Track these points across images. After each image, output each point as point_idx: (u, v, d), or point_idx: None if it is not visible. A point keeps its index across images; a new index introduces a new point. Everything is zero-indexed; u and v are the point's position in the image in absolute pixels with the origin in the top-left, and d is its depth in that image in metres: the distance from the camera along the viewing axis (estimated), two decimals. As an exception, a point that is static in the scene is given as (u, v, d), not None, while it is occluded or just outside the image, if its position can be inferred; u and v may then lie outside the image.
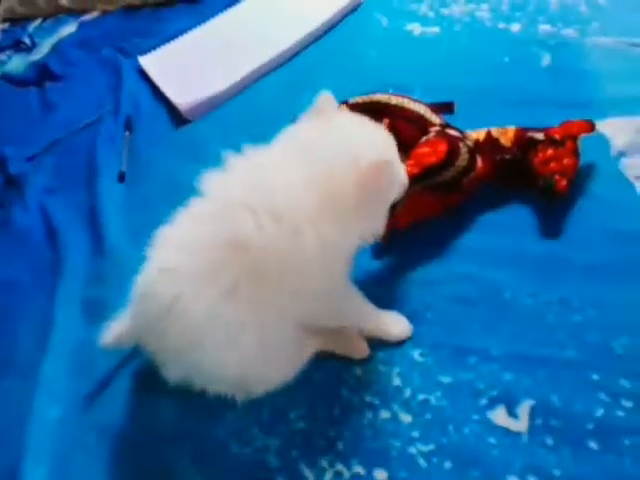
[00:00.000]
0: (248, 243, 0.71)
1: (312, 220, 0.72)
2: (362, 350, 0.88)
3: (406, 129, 1.01)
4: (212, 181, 0.78)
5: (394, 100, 1.04)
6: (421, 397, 0.82)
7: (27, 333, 1.04)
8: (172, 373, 0.79)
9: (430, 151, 0.94)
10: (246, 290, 0.73)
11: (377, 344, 0.88)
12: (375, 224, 0.80)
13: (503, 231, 0.97)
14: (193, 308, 0.72)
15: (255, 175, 0.76)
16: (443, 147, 0.94)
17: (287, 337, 0.79)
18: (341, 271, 0.80)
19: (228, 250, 0.72)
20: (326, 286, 0.77)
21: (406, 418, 0.80)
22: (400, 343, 0.87)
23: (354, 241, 0.78)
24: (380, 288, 0.93)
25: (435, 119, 1.02)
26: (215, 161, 1.19)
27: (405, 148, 0.93)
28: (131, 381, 0.92)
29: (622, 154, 1.04)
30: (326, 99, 0.82)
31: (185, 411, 0.87)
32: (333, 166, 0.74)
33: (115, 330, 0.86)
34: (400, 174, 0.82)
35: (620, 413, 0.76)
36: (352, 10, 1.53)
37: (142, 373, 0.92)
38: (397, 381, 0.83)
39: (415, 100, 1.05)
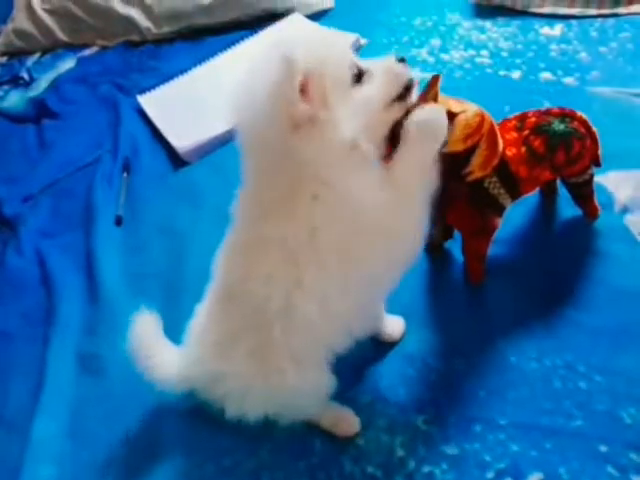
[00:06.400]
0: None
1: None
2: (351, 425, 0.83)
3: None
4: None
5: None
6: (426, 469, 0.79)
7: (19, 387, 1.01)
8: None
9: None
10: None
11: (379, 410, 0.85)
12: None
13: (507, 290, 0.96)
14: None
15: None
16: None
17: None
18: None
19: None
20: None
21: (410, 492, 0.78)
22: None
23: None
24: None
25: None
26: (211, 206, 1.20)
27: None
28: (130, 451, 0.88)
29: (626, 209, 1.03)
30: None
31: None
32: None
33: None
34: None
35: (630, 489, 0.74)
36: (352, 54, 1.53)
37: (141, 443, 0.89)
38: (400, 452, 0.81)
39: None
